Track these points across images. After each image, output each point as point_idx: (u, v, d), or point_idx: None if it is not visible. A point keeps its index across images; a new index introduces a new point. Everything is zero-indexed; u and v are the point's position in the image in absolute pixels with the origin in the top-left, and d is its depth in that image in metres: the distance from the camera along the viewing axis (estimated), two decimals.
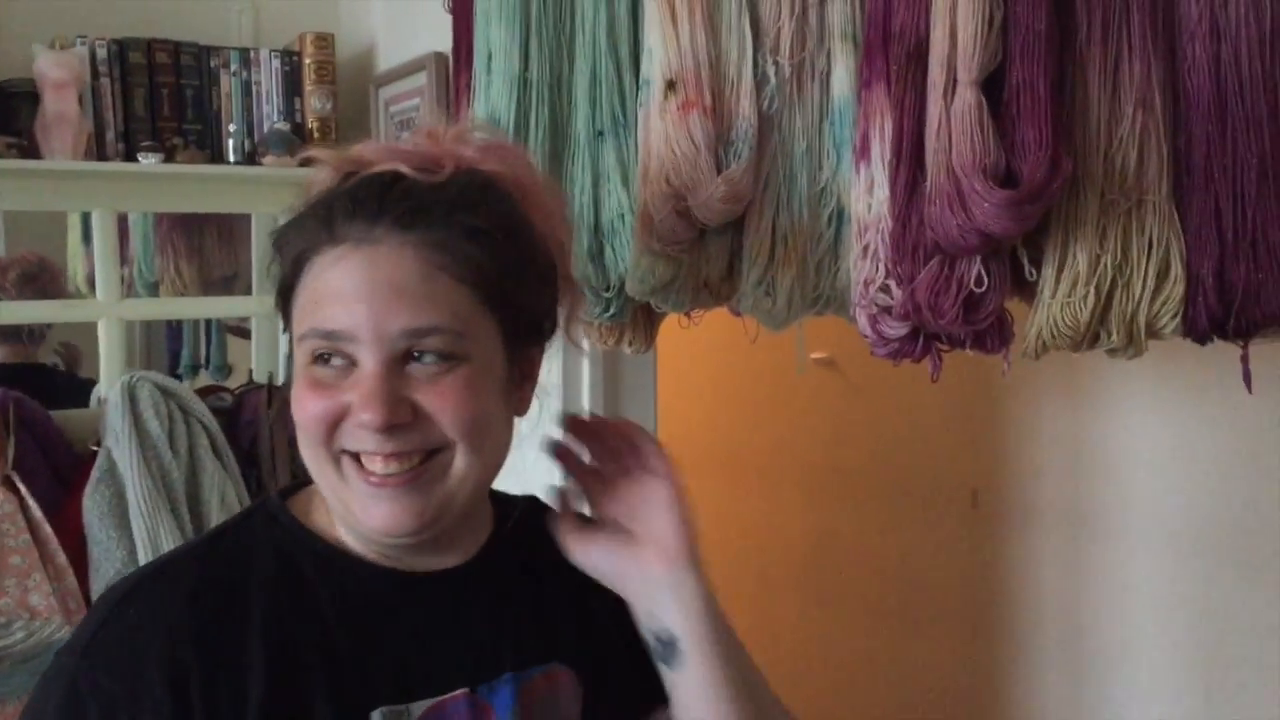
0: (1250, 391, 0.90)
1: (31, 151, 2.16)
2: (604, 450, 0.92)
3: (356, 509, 0.82)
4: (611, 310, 1.53)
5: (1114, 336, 0.90)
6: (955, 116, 0.87)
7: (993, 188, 0.85)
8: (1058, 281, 0.95)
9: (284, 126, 2.39)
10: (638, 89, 1.39)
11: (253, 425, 2.23)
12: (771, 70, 1.26)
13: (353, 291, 0.79)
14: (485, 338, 0.81)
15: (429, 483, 0.81)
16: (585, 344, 1.89)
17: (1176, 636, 2.42)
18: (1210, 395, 2.22)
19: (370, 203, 0.80)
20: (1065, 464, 2.60)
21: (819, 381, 3.04)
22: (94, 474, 1.96)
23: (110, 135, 2.25)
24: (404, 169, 0.80)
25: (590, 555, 0.89)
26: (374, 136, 2.49)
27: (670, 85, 1.24)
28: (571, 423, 0.95)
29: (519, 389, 0.87)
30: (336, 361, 0.80)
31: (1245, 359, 0.89)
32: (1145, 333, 0.90)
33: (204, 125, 2.36)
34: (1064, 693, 2.63)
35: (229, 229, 2.65)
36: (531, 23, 1.49)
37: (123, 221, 2.48)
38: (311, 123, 2.44)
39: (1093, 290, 0.90)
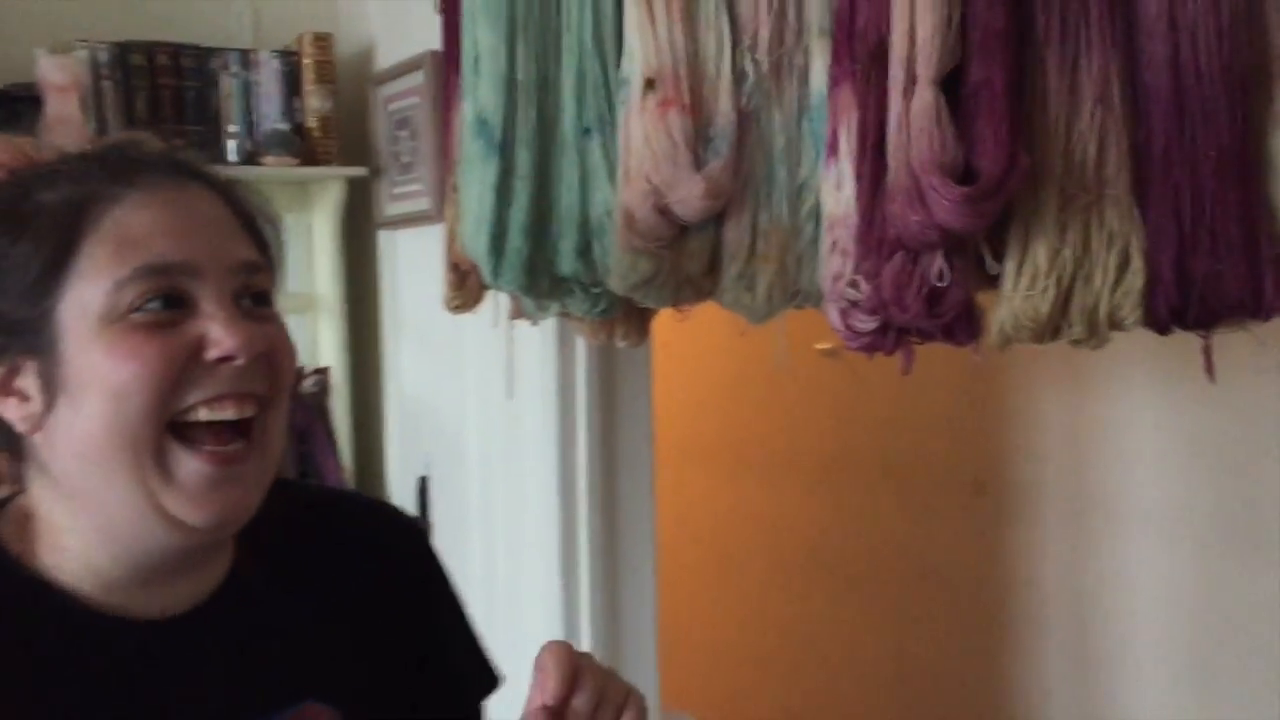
0: (1212, 380, 0.91)
1: None
2: None
3: (179, 500, 0.72)
4: (600, 306, 1.55)
5: (1075, 328, 0.92)
6: (914, 114, 0.88)
7: (950, 184, 0.86)
8: (1019, 275, 0.96)
9: (284, 126, 2.42)
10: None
11: None
12: (750, 67, 1.28)
13: (184, 225, 0.74)
14: None
15: (258, 458, 0.75)
16: (579, 339, 1.92)
17: (1179, 622, 2.42)
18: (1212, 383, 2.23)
19: (154, 156, 0.77)
20: (1068, 451, 2.61)
21: (823, 371, 3.05)
22: None
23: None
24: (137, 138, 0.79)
25: None
26: (374, 135, 2.52)
27: (649, 83, 1.26)
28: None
29: None
30: (165, 307, 0.72)
31: (1207, 350, 0.90)
32: (1107, 324, 0.92)
33: (205, 126, 2.39)
34: (1068, 678, 2.64)
35: None
36: (518, 23, 1.50)
37: None
38: (311, 122, 2.46)
39: (1053, 283, 0.91)
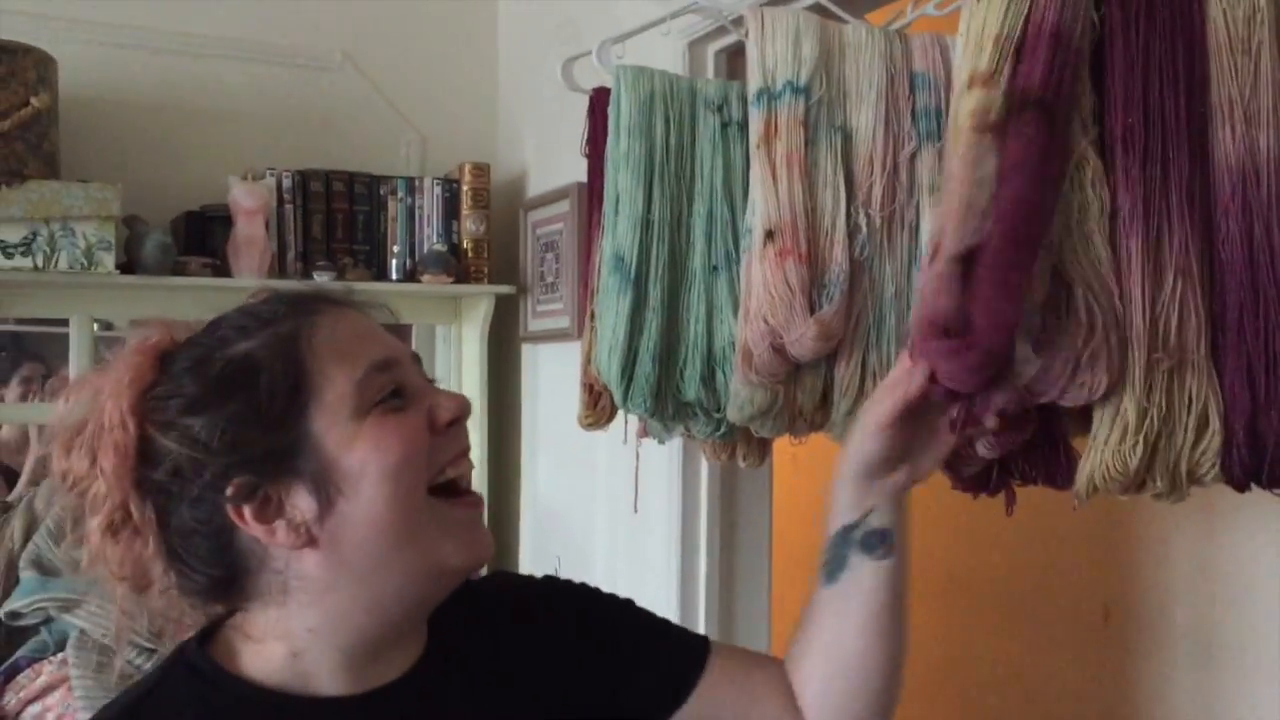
0: None
1: (223, 270, 2.44)
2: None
3: (460, 545, 0.84)
4: (722, 429, 1.65)
5: (1159, 483, 0.98)
6: (930, 280, 0.98)
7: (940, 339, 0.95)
8: (1111, 429, 1.03)
9: (441, 247, 2.63)
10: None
11: None
12: (863, 221, 1.38)
13: (370, 332, 0.87)
14: None
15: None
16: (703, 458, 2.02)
17: None
18: None
19: (306, 294, 0.88)
20: (1196, 587, 2.56)
21: (946, 490, 3.07)
22: None
23: (290, 255, 2.52)
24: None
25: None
26: (522, 256, 2.71)
27: (769, 234, 1.37)
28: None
29: None
30: (395, 394, 0.83)
31: None
32: (1187, 480, 0.98)
33: (371, 246, 2.62)
34: None
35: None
36: (655, 171, 1.64)
37: None
38: (466, 243, 2.66)
39: (1141, 440, 0.98)
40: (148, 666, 2.00)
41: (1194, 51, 0.95)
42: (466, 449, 0.87)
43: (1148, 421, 0.99)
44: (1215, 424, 0.96)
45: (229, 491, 0.80)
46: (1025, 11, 0.98)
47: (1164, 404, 0.99)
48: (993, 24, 0.99)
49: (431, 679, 0.89)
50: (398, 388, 0.84)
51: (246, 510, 0.80)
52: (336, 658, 0.84)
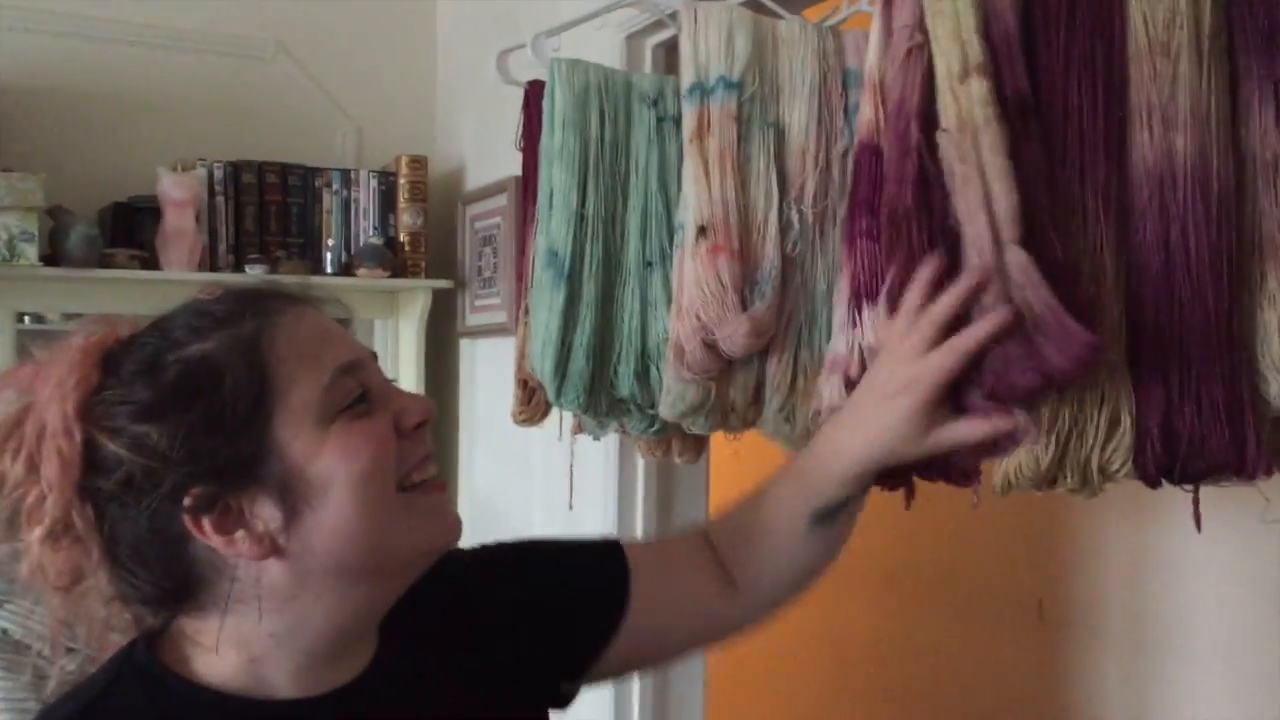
0: (1199, 531, 0.97)
1: (151, 263, 2.39)
2: None
3: (431, 532, 0.84)
4: (656, 426, 1.65)
5: (1070, 479, 0.99)
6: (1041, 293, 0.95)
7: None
8: None
9: (377, 241, 2.60)
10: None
11: None
12: (795, 217, 1.38)
13: (331, 333, 0.83)
14: None
15: None
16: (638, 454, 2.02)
17: None
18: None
19: (264, 290, 0.84)
20: (1129, 580, 2.61)
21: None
22: None
23: (222, 248, 2.48)
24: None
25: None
26: (460, 250, 2.68)
27: (701, 230, 1.36)
28: None
29: None
30: (362, 398, 0.81)
31: (1196, 503, 0.97)
32: (1099, 476, 0.98)
33: (305, 239, 2.58)
34: None
35: None
36: (590, 164, 1.63)
37: None
38: (403, 237, 2.63)
39: (1053, 439, 0.99)
40: (71, 668, 1.96)
41: (1113, 54, 0.96)
42: (432, 453, 0.85)
43: (1059, 420, 1.00)
44: (1126, 422, 0.97)
45: (187, 502, 0.76)
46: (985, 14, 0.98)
47: (1076, 402, 0.99)
48: (969, 19, 0.97)
49: (388, 676, 0.87)
50: (364, 391, 0.81)
51: (206, 522, 0.76)
52: (298, 661, 0.82)
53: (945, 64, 0.98)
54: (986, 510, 2.81)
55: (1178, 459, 0.93)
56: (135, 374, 0.78)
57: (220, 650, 0.80)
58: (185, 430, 0.75)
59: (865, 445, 0.98)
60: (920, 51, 1.02)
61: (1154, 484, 0.95)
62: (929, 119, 0.99)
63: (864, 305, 1.09)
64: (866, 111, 1.18)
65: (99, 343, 0.79)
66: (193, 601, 0.80)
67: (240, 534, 0.77)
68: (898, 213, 1.03)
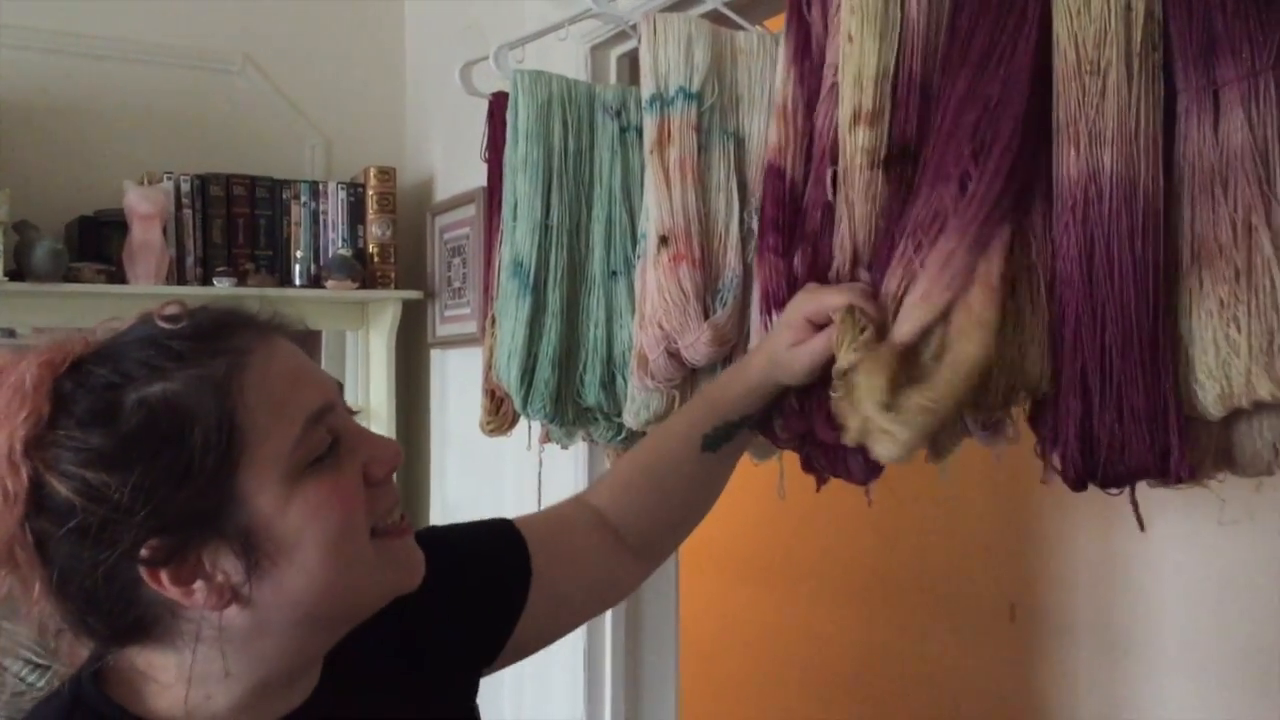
0: (1142, 530, 0.99)
1: (118, 276, 2.38)
2: None
3: (398, 578, 0.82)
4: (622, 434, 1.66)
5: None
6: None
7: None
8: None
9: (346, 252, 2.59)
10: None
11: None
12: (756, 226, 1.39)
13: (302, 370, 0.79)
14: None
15: None
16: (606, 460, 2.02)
17: None
18: (1241, 519, 2.26)
19: (229, 316, 0.79)
20: (1099, 583, 2.63)
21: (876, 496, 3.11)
22: None
23: (190, 261, 2.47)
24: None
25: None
26: (429, 261, 2.68)
27: (663, 240, 1.38)
28: None
29: None
30: (331, 448, 0.77)
31: (1134, 505, 0.99)
32: None
33: (274, 251, 2.57)
34: None
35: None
36: (553, 175, 1.64)
37: None
38: (372, 248, 2.63)
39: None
40: (41, 684, 1.94)
41: (1035, 72, 0.98)
42: (398, 499, 0.83)
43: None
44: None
45: (143, 554, 0.72)
46: (894, 57, 1.08)
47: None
48: (870, 64, 1.08)
49: (332, 700, 0.86)
50: (334, 440, 0.78)
51: (163, 574, 0.73)
52: (249, 696, 0.80)
53: (844, 108, 1.11)
54: (959, 515, 2.84)
55: (1099, 464, 0.95)
56: (92, 415, 0.72)
57: (174, 688, 0.78)
58: (149, 482, 0.71)
59: (759, 365, 1.13)
60: (834, 91, 1.14)
61: (1075, 487, 0.97)
62: (835, 156, 1.14)
63: (773, 312, 1.19)
64: (773, 135, 1.24)
65: (49, 368, 0.74)
66: (145, 640, 0.78)
67: (199, 584, 0.74)
68: (808, 233, 1.16)
